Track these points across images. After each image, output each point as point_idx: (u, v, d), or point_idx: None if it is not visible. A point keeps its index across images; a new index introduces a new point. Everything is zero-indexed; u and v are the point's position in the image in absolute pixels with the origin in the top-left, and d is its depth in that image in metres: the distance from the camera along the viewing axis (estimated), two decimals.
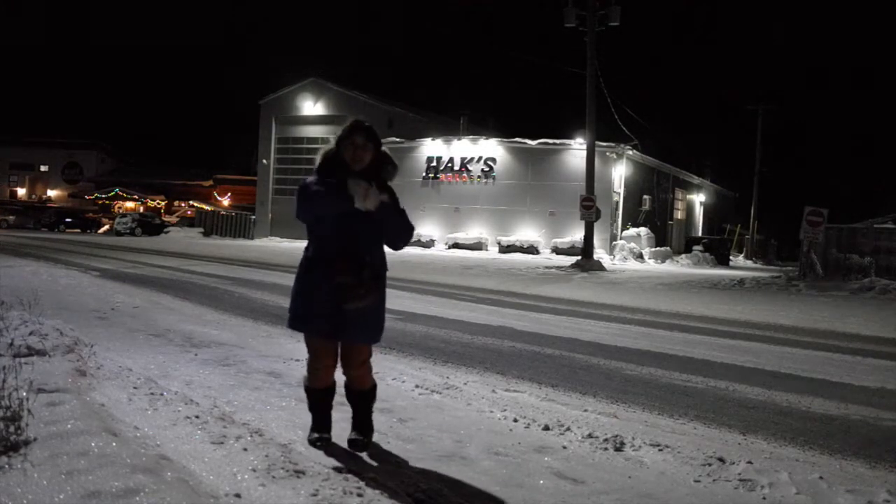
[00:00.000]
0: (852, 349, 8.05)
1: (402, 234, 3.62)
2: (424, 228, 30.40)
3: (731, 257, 31.82)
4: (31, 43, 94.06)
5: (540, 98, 73.70)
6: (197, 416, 3.84)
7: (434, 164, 31.53)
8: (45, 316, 6.40)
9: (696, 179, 39.81)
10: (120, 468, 2.74)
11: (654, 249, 28.00)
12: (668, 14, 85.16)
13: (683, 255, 29.26)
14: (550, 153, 29.74)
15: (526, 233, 29.38)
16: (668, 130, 55.22)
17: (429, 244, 30.22)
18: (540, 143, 29.82)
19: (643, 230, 28.64)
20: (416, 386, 5.08)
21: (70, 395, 3.77)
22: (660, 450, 3.88)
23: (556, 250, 27.62)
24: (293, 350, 6.04)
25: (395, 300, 8.95)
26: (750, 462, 3.69)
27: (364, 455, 3.56)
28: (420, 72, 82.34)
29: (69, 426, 3.19)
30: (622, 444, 3.93)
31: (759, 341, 8.35)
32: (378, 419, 3.83)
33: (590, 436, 4.05)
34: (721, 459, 3.72)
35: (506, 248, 28.68)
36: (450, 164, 31.33)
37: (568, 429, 4.17)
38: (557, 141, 29.62)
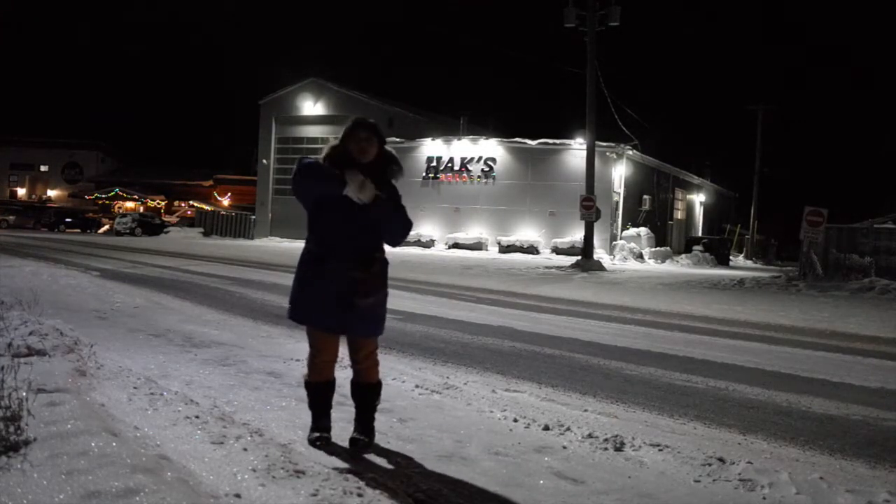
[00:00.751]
0: (852, 349, 8.05)
1: (400, 229, 3.64)
2: (424, 228, 30.41)
3: (731, 257, 31.83)
4: (31, 43, 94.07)
5: (540, 98, 73.74)
6: (197, 416, 3.84)
7: (434, 164, 31.54)
8: (45, 316, 6.41)
9: (696, 179, 39.81)
10: (120, 468, 2.74)
11: (654, 249, 28.01)
12: (668, 14, 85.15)
13: (683, 255, 29.26)
14: (550, 153, 29.75)
15: (526, 233, 29.39)
16: (668, 130, 55.24)
17: (429, 244, 30.23)
18: (540, 143, 29.83)
19: (643, 230, 28.64)
20: (416, 386, 5.08)
21: (70, 395, 3.77)
22: (660, 450, 3.87)
23: (556, 250, 27.63)
24: (293, 350, 6.04)
25: (395, 300, 8.92)
26: (750, 462, 3.69)
27: (364, 455, 3.57)
28: (420, 72, 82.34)
29: (69, 426, 3.19)
30: (622, 444, 3.93)
31: (759, 341, 8.35)
32: (378, 419, 3.83)
33: (590, 436, 4.05)
34: (721, 459, 3.72)
35: (506, 248, 28.69)
36: (450, 164, 31.33)
37: (568, 429, 4.17)
38: (557, 141, 29.63)
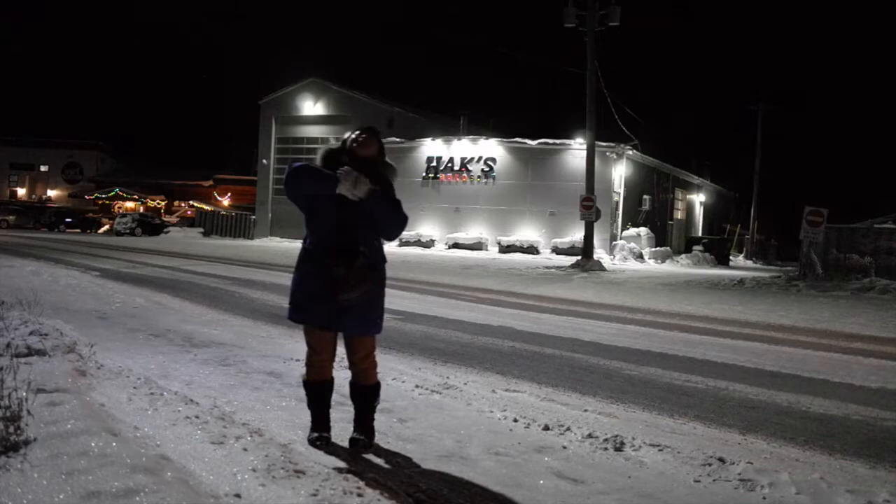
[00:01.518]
0: (852, 349, 8.04)
1: (395, 223, 3.64)
2: (424, 228, 30.41)
3: (730, 257, 31.84)
4: (31, 43, 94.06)
5: (540, 98, 73.80)
6: (197, 416, 3.84)
7: (434, 164, 31.52)
8: (45, 316, 6.40)
9: (695, 179, 39.81)
10: (120, 468, 2.74)
11: (654, 249, 28.00)
12: (668, 14, 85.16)
13: (683, 255, 29.26)
14: (550, 153, 29.74)
15: (526, 233, 29.38)
16: (668, 130, 55.23)
17: (429, 244, 30.22)
18: (540, 143, 29.82)
19: (643, 230, 28.64)
20: (416, 386, 5.08)
21: (70, 395, 3.77)
22: (660, 450, 3.88)
23: (556, 250, 27.62)
24: (293, 350, 6.04)
25: (395, 300, 8.97)
26: (750, 462, 3.69)
27: (364, 455, 3.57)
28: (420, 72, 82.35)
29: (69, 426, 3.19)
30: (622, 444, 3.93)
31: (759, 341, 8.35)
32: (378, 419, 3.83)
33: (590, 436, 4.05)
34: (721, 459, 3.72)
35: (506, 248, 28.68)
36: (450, 164, 31.32)
37: (568, 429, 4.17)
38: (557, 141, 29.62)
